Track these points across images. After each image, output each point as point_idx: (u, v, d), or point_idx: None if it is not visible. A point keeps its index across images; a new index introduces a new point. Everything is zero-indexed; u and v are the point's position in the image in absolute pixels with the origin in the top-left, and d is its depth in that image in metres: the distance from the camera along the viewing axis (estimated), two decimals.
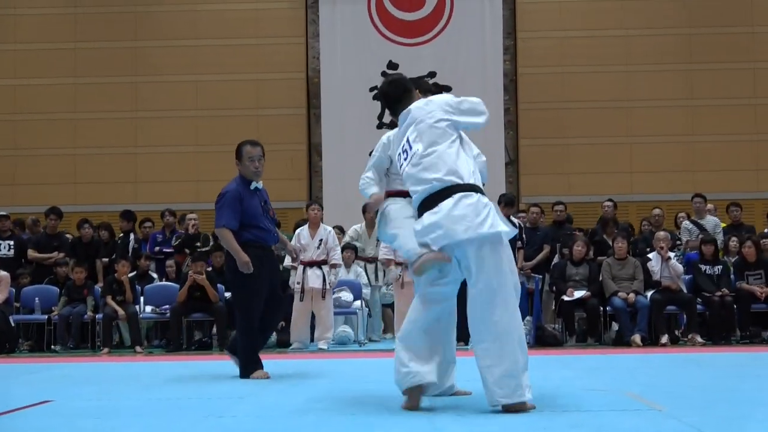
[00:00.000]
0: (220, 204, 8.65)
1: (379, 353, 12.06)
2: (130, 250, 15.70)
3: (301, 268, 13.33)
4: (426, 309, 6.08)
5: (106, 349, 13.94)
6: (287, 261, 13.73)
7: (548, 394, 6.48)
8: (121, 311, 14.10)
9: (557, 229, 15.70)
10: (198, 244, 15.26)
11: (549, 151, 19.75)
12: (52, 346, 14.17)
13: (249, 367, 8.54)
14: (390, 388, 6.73)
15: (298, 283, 13.38)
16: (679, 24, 20.00)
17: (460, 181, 5.87)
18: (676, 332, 14.26)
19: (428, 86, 6.98)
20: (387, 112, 6.74)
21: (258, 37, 20.25)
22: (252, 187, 8.41)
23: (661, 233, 14.58)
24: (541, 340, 13.78)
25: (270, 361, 11.20)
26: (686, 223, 15.71)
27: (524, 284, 14.62)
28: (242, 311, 8.55)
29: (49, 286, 15.06)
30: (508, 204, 14.01)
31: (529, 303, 14.48)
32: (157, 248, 15.77)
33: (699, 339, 13.51)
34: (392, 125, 6.80)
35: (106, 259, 15.47)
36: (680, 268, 14.12)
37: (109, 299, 14.26)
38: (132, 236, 16.07)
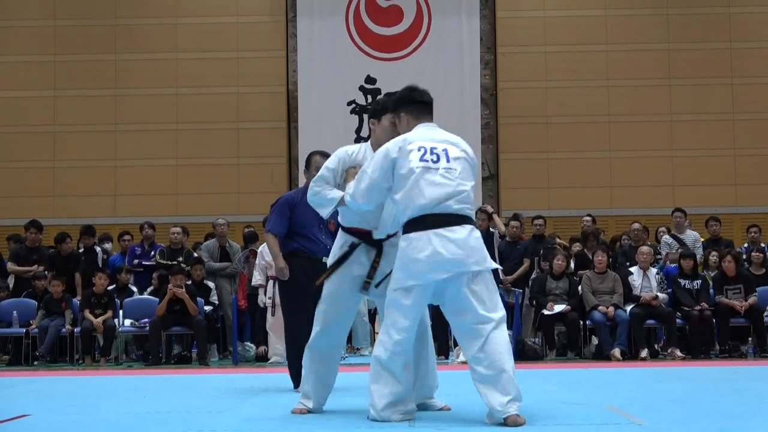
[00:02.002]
0: (272, 210, 8.68)
1: (358, 367, 12.02)
2: (100, 263, 15.59)
3: (271, 282, 13.09)
4: None
5: (88, 359, 13.98)
6: (255, 280, 13.72)
7: (528, 408, 6.47)
8: (99, 324, 14.06)
9: (537, 242, 15.73)
10: (180, 258, 15.22)
11: (529, 166, 19.80)
12: (35, 363, 14.04)
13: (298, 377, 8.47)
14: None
15: (269, 298, 13.17)
16: (659, 39, 20.11)
17: None
18: (656, 346, 14.29)
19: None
20: (365, 125, 6.66)
21: (238, 50, 20.24)
22: None
23: (645, 247, 14.62)
24: (521, 354, 13.76)
25: (248, 375, 11.21)
26: (666, 238, 15.76)
27: (504, 298, 14.67)
28: (286, 321, 8.57)
29: (27, 299, 14.99)
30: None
31: (508, 317, 14.49)
32: (136, 261, 15.71)
33: (678, 353, 13.55)
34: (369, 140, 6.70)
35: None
36: (666, 297, 14.21)
37: (87, 313, 14.22)
38: (99, 249, 15.91)
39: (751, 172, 19.76)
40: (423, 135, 6.18)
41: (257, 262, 13.61)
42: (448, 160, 6.04)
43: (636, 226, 15.90)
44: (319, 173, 6.71)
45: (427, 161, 6.01)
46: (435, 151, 6.06)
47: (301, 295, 8.36)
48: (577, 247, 15.56)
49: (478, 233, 6.04)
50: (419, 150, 6.05)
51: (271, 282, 13.03)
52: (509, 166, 19.91)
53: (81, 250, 15.89)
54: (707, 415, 6.41)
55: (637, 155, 19.82)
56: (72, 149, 20.02)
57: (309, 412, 6.61)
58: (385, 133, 6.53)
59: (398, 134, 6.30)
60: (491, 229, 14.96)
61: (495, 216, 15.71)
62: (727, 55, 20.08)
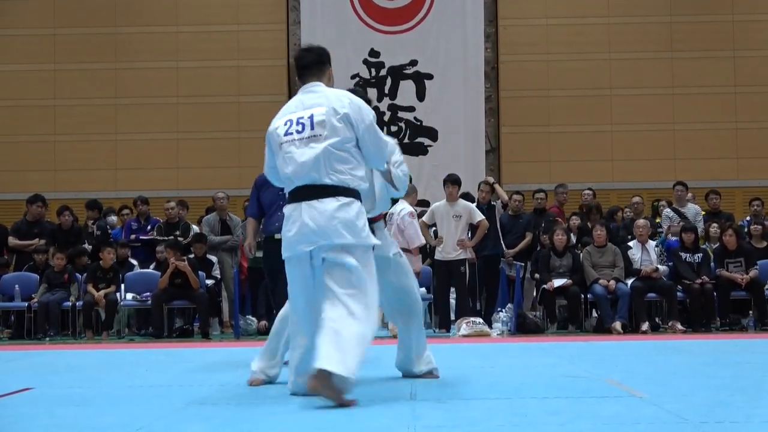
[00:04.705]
0: None
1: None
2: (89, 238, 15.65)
3: None
4: None
5: (89, 333, 14.02)
6: None
7: (529, 381, 6.49)
8: (101, 298, 14.09)
9: (538, 216, 15.73)
10: (177, 232, 15.22)
11: (530, 139, 19.76)
12: (43, 336, 14.05)
13: None
14: (372, 375, 6.73)
15: None
16: (660, 12, 20.03)
17: None
18: (657, 319, 14.31)
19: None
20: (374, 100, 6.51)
21: (239, 23, 20.16)
22: None
23: (641, 221, 14.63)
24: (522, 327, 13.81)
25: (250, 349, 11.20)
26: (667, 211, 15.75)
27: (505, 271, 14.70)
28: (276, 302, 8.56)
29: (29, 273, 15.01)
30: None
31: (510, 290, 14.52)
32: (132, 236, 15.72)
33: (679, 326, 13.58)
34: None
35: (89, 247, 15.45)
36: (666, 269, 14.22)
37: (90, 287, 14.25)
38: (89, 224, 16.00)
39: (752, 146, 19.73)
40: (292, 105, 6.22)
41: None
42: (312, 127, 5.98)
43: (636, 199, 15.90)
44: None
45: (291, 134, 6.04)
46: (301, 120, 6.04)
47: (270, 277, 8.56)
48: (575, 221, 15.55)
49: (353, 205, 5.89)
50: (285, 124, 6.10)
51: None
52: (510, 139, 19.86)
53: (93, 224, 15.95)
54: (707, 388, 6.42)
55: (639, 128, 19.78)
56: (72, 123, 19.97)
57: None
58: None
59: None
60: (492, 203, 14.95)
61: (497, 186, 15.75)
62: (729, 27, 20.00)
